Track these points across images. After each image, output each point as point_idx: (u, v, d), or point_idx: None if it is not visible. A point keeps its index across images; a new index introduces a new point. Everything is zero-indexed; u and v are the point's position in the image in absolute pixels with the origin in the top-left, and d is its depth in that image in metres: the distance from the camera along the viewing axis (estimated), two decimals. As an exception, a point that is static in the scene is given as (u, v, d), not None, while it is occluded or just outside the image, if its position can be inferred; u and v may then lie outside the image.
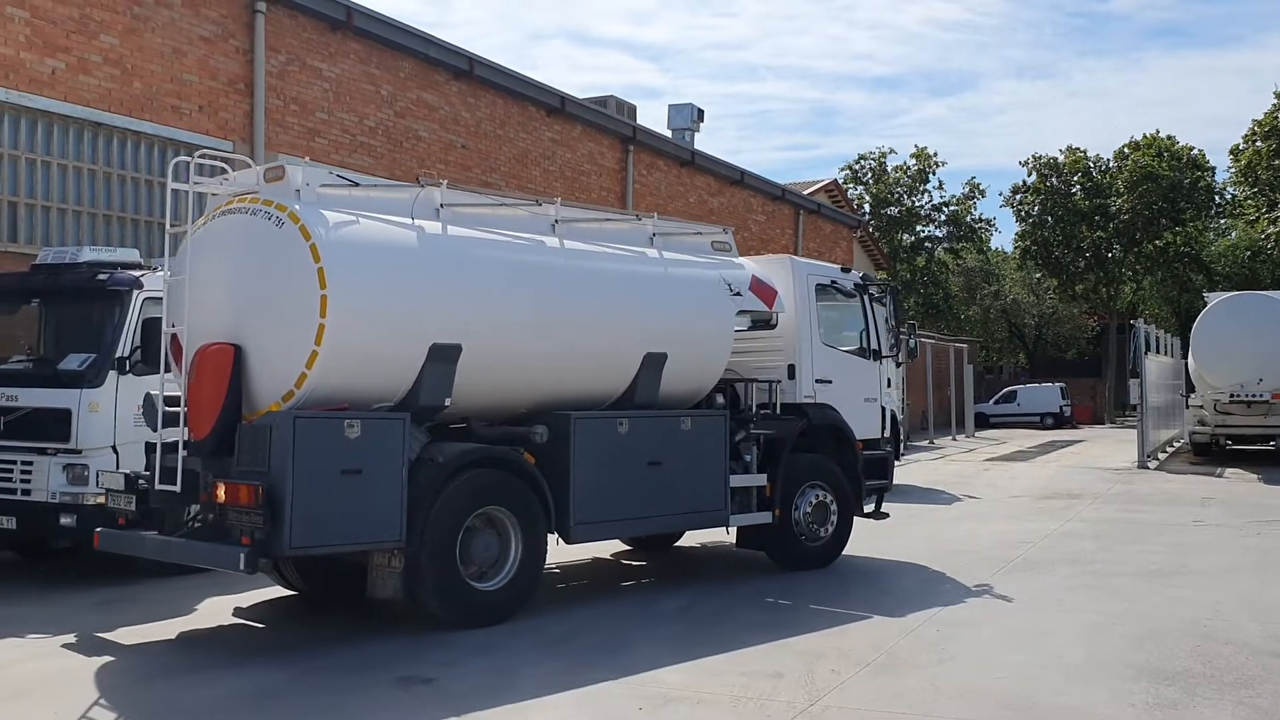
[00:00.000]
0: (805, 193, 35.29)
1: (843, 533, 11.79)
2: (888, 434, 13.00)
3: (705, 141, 47.78)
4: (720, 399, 11.08)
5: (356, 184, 8.97)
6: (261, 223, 8.28)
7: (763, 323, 11.81)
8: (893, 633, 8.74)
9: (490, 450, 9.02)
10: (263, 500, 7.49)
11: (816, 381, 11.75)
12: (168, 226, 8.71)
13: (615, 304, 10.04)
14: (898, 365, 13.02)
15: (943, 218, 57.19)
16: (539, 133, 21.74)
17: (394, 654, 7.96)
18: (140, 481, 8.59)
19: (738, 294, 10.94)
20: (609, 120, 24.08)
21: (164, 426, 8.40)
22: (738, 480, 10.77)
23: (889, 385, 21.53)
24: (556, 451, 9.32)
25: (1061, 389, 48.81)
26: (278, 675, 7.36)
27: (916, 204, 56.27)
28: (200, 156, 8.78)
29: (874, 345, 12.60)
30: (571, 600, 10.09)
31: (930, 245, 56.81)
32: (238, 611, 9.52)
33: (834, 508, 11.60)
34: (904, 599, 10.09)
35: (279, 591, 10.02)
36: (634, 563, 12.07)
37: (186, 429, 8.27)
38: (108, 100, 13.56)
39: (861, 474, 12.03)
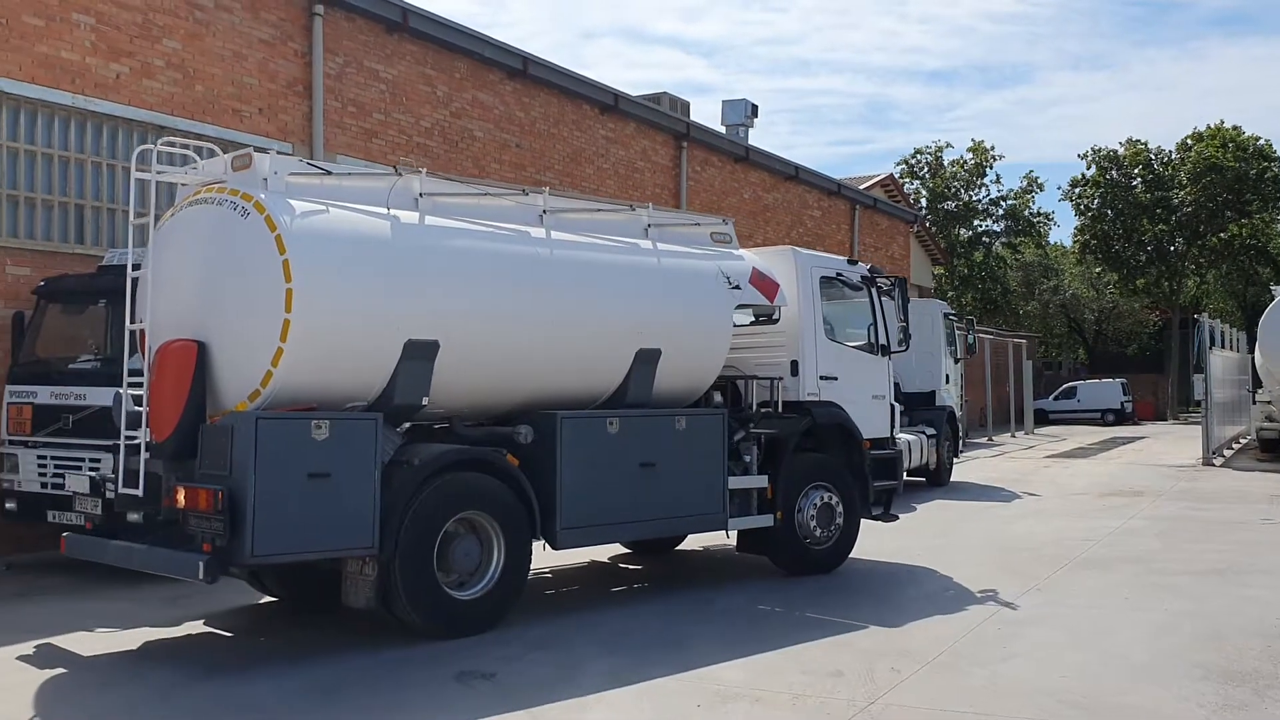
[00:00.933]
0: (861, 188, 35.04)
1: (849, 536, 11.35)
2: (897, 432, 12.56)
3: (758, 137, 47.38)
4: (719, 397, 10.71)
5: (328, 172, 8.53)
6: (227, 213, 7.90)
7: (765, 317, 11.42)
8: (953, 631, 8.66)
9: (469, 452, 8.57)
10: (223, 506, 7.10)
11: (821, 378, 11.30)
12: (131, 218, 8.45)
13: (605, 298, 9.60)
14: (905, 350, 12.44)
15: (1000, 212, 56.55)
16: (592, 131, 21.78)
17: (454, 650, 7.99)
18: (106, 485, 8.28)
19: (736, 287, 10.49)
20: (662, 117, 24.06)
21: (128, 427, 8.07)
22: (736, 482, 10.33)
23: (946, 382, 21.56)
24: (542, 453, 8.89)
25: (1123, 385, 48.03)
26: (338, 671, 7.44)
27: (974, 198, 55.68)
28: (163, 144, 8.43)
29: (882, 340, 12.10)
30: (627, 598, 10.10)
31: (988, 240, 56.18)
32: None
33: (839, 510, 11.15)
34: (963, 597, 9.99)
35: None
36: (689, 562, 12.03)
37: (148, 430, 7.94)
38: (171, 104, 13.78)
39: (869, 474, 11.54)
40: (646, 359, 9.72)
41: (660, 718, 6.56)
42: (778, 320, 11.31)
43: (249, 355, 7.68)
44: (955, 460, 21.74)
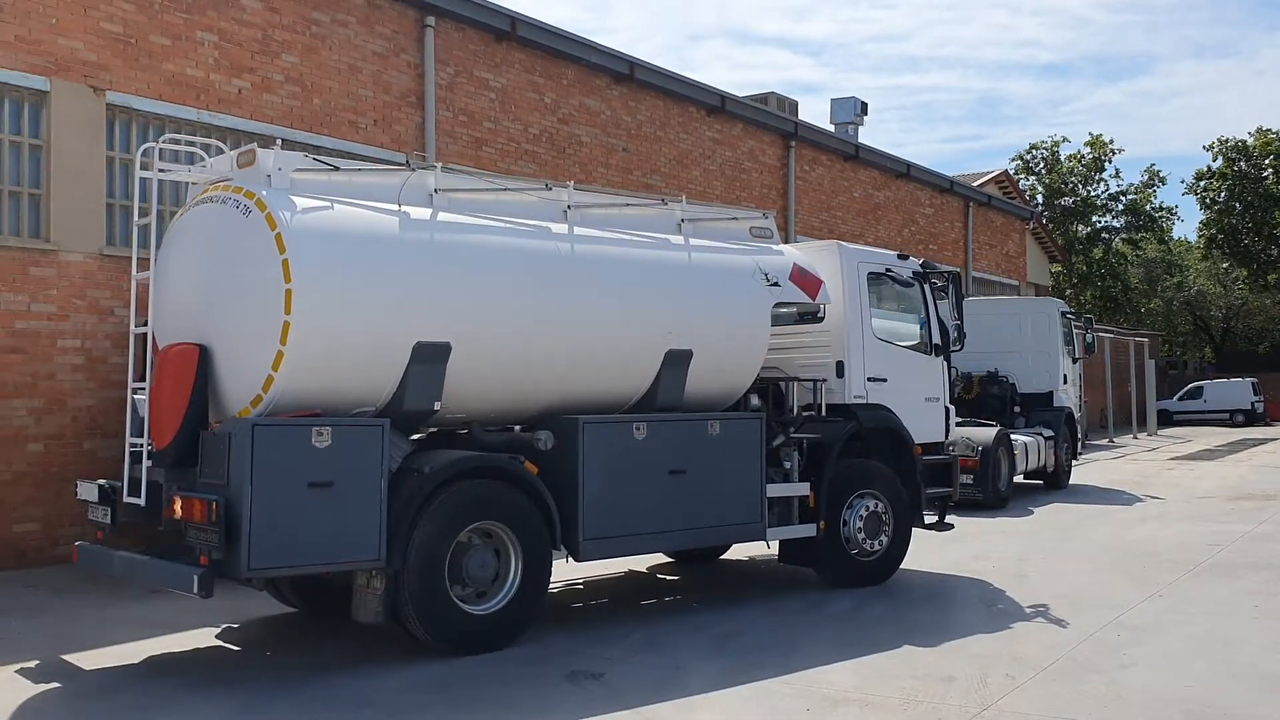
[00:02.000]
0: (974, 185, 34.41)
1: (899, 546, 10.79)
2: (950, 437, 11.98)
3: (868, 135, 46.94)
4: (756, 400, 10.07)
5: (336, 168, 8.16)
6: (230, 211, 7.65)
7: (810, 316, 10.87)
8: (1070, 637, 8.46)
9: (484, 459, 8.09)
10: (218, 517, 6.84)
11: (869, 380, 10.77)
12: (135, 218, 8.28)
13: (631, 296, 9.09)
14: (948, 355, 11.86)
15: (1120, 207, 54.97)
16: (699, 133, 21.80)
17: (564, 649, 8.10)
18: (113, 493, 8.04)
19: (775, 284, 9.92)
20: (770, 117, 23.97)
21: (134, 434, 7.90)
22: (776, 489, 9.80)
23: (1064, 382, 21.02)
24: (563, 459, 8.44)
25: (1253, 384, 46.22)
26: (449, 668, 7.56)
27: (1092, 194, 54.21)
28: (165, 141, 8.21)
29: (936, 340, 11.55)
30: (734, 601, 10.05)
31: (1107, 236, 54.64)
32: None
33: (888, 519, 10.60)
34: (1081, 603, 9.74)
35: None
36: (794, 565, 11.86)
37: (149, 437, 7.74)
38: (290, 117, 14.21)
39: (921, 481, 10.97)
40: (677, 361, 9.24)
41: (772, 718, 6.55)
42: (822, 319, 10.80)
43: (250, 359, 7.42)
44: (1074, 462, 21.19)
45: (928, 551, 12.47)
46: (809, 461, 10.21)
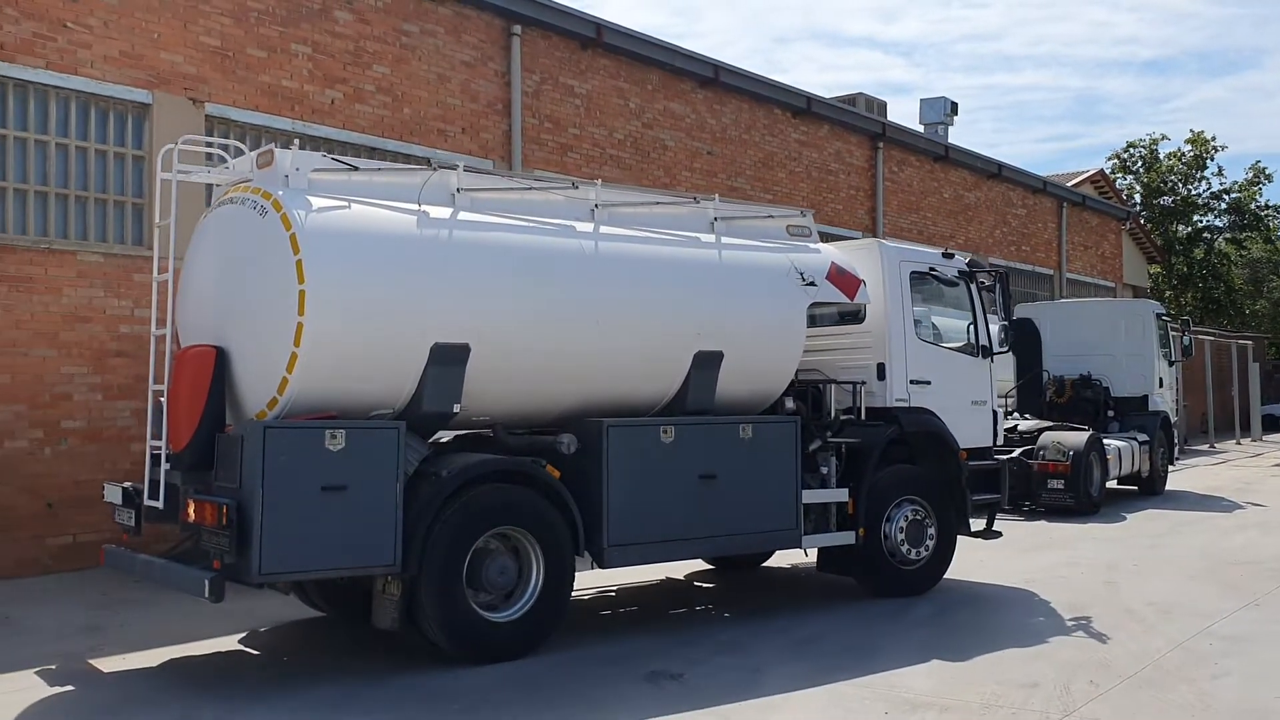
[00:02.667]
0: (1069, 185, 33.74)
1: (943, 554, 10.41)
2: (1000, 441, 11.51)
3: (960, 136, 46.21)
4: (790, 403, 9.74)
5: (355, 168, 8.08)
6: (247, 212, 7.62)
7: (851, 316, 10.59)
8: (1160, 645, 8.29)
9: (503, 462, 7.97)
10: (229, 520, 6.81)
11: (911, 383, 10.38)
12: (156, 220, 8.17)
13: (658, 296, 8.87)
14: (992, 357, 11.28)
15: (1223, 206, 53.25)
16: (785, 135, 21.76)
17: (644, 649, 8.19)
18: (136, 496, 8.00)
19: (811, 283, 9.63)
20: (857, 118, 23.83)
21: (153, 437, 7.89)
22: (812, 495, 9.51)
23: (1160, 385, 20.52)
24: (587, 464, 8.26)
25: (1365, 388, 44.52)
26: (535, 666, 7.70)
27: (1193, 192, 52.66)
28: (184, 142, 8.24)
29: (983, 341, 11.09)
30: (819, 606, 10.01)
31: (1209, 236, 52.97)
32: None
33: (931, 526, 10.26)
34: (1173, 611, 9.53)
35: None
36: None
37: (167, 440, 7.72)
38: (381, 126, 14.55)
39: (967, 487, 10.56)
40: (707, 362, 8.99)
41: (847, 722, 6.56)
42: (863, 319, 10.49)
43: (266, 361, 7.35)
44: (1171, 468, 20.66)
45: (1014, 557, 12.34)
46: (848, 467, 9.93)
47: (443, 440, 8.52)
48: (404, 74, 14.85)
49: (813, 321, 10.34)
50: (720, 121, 20.17)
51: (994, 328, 11.44)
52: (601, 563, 8.34)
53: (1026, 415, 18.69)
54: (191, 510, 7.22)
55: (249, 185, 7.76)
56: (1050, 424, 17.86)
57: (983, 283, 11.23)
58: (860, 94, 26.32)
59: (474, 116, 15.72)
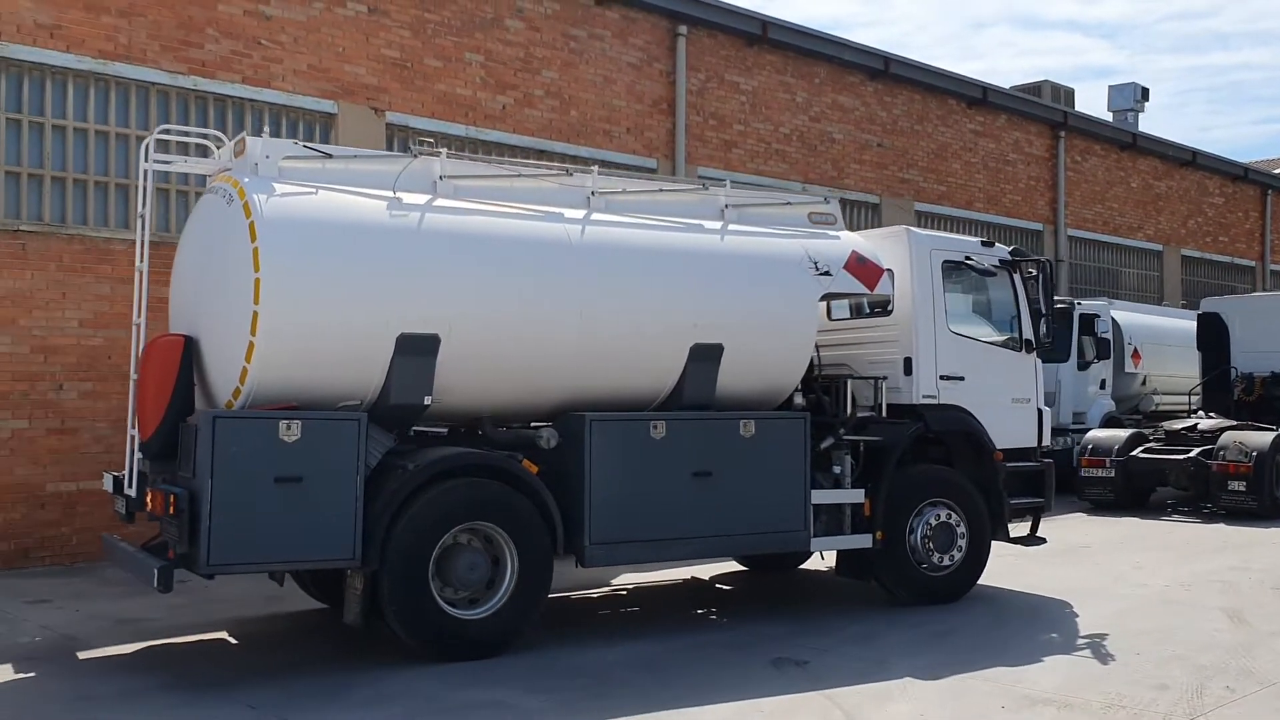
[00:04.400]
0: (1277, 171, 31.87)
1: (976, 560, 9.85)
2: (1047, 442, 10.73)
3: (1166, 119, 43.88)
4: (799, 399, 9.29)
5: (329, 155, 7.97)
6: (218, 201, 7.65)
7: (880, 308, 10.13)
8: (1313, 654, 8.01)
9: (475, 456, 7.76)
10: (179, 510, 6.81)
11: (942, 378, 9.84)
12: (138, 210, 8.21)
13: (651, 285, 8.50)
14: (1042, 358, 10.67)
15: None
16: (959, 125, 21.46)
17: (774, 637, 8.43)
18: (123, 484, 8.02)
19: (825, 273, 9.16)
20: (1036, 107, 23.26)
21: (133, 427, 7.89)
22: (822, 496, 9.04)
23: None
24: (569, 459, 8.01)
25: None
26: (662, 648, 8.06)
27: None
28: (161, 133, 8.36)
29: (1028, 335, 10.46)
30: (957, 602, 10.01)
31: None
32: (625, 589, 10.46)
33: (962, 530, 9.70)
34: (1340, 620, 9.15)
35: (670, 569, 10.76)
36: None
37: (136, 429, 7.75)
38: (549, 129, 15.18)
39: (1004, 490, 10.00)
40: (705, 355, 8.61)
41: (962, 713, 6.65)
42: (891, 311, 10.01)
43: (229, 351, 7.31)
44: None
45: (1178, 561, 12.03)
46: (868, 467, 9.46)
47: (426, 433, 8.45)
48: (571, 77, 15.44)
49: (837, 313, 10.28)
50: (891, 114, 20.08)
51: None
52: (583, 561, 8.10)
53: (1212, 414, 17.98)
54: (149, 499, 7.41)
55: (226, 174, 7.80)
56: (1233, 423, 17.10)
57: (1029, 273, 10.57)
58: (1046, 81, 25.65)
59: (639, 116, 16.19)
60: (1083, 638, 8.58)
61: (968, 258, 10.28)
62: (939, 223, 21.15)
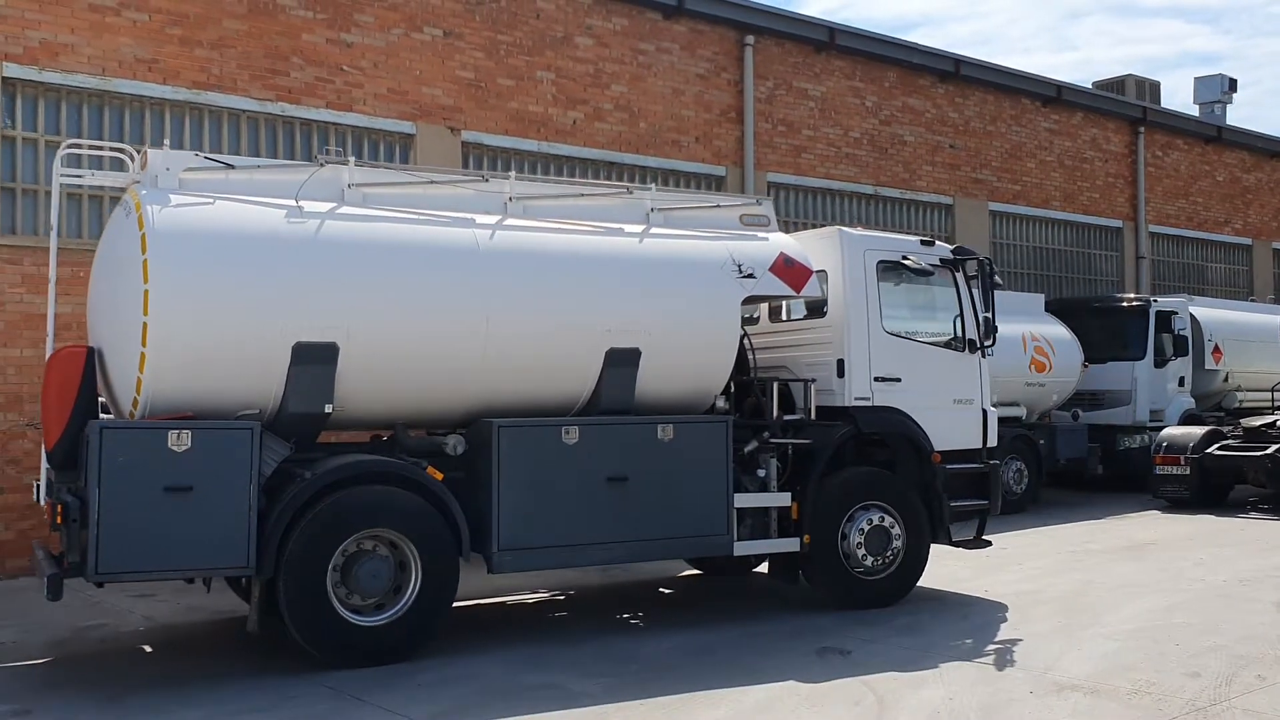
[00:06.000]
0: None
1: (912, 563, 9.65)
2: (992, 443, 10.44)
3: (1273, 105, 42.39)
4: (722, 402, 9.27)
5: (231, 166, 8.00)
6: (120, 213, 7.79)
7: (815, 310, 10.05)
8: (1356, 646, 8.12)
9: (375, 464, 7.77)
10: (71, 518, 6.92)
11: (876, 380, 9.72)
12: (52, 221, 8.34)
13: (561, 290, 8.44)
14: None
15: None
16: (1034, 124, 21.48)
17: (823, 628, 8.80)
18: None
19: (749, 275, 9.09)
20: (1113, 103, 23.13)
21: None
22: (746, 499, 8.98)
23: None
24: (479, 465, 8.06)
25: None
26: (713, 637, 8.51)
27: None
28: (70, 147, 8.41)
29: (971, 334, 10.29)
30: (1011, 592, 10.24)
31: None
32: (684, 579, 10.89)
33: (898, 533, 9.51)
34: (1392, 614, 9.19)
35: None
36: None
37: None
38: (618, 142, 15.71)
39: (943, 492, 9.79)
40: (622, 360, 8.57)
41: (990, 698, 6.94)
42: (826, 313, 9.92)
43: (125, 362, 7.39)
44: None
45: (1245, 557, 12.06)
46: (797, 470, 9.39)
47: (330, 442, 8.52)
48: (640, 90, 15.95)
49: (775, 315, 10.43)
50: (963, 115, 20.21)
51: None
52: (492, 568, 8.08)
53: (1294, 411, 17.78)
54: (46, 509, 7.67)
55: (131, 187, 7.89)
56: (1291, 424, 16.89)
57: (970, 272, 10.42)
58: (1130, 75, 25.44)
59: (707, 125, 16.63)
60: (1125, 629, 8.78)
61: (905, 257, 10.07)
62: (1015, 222, 21.21)
